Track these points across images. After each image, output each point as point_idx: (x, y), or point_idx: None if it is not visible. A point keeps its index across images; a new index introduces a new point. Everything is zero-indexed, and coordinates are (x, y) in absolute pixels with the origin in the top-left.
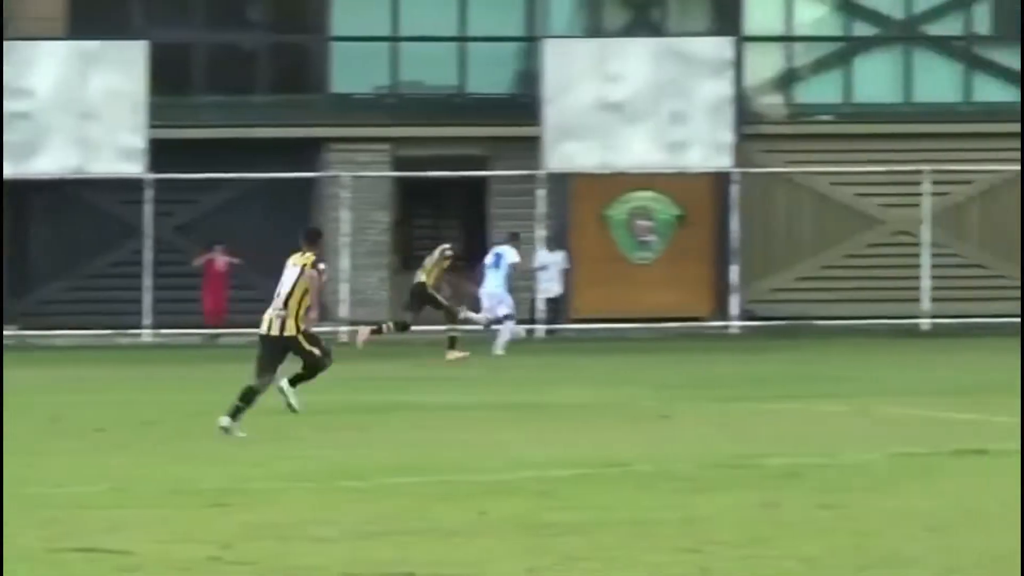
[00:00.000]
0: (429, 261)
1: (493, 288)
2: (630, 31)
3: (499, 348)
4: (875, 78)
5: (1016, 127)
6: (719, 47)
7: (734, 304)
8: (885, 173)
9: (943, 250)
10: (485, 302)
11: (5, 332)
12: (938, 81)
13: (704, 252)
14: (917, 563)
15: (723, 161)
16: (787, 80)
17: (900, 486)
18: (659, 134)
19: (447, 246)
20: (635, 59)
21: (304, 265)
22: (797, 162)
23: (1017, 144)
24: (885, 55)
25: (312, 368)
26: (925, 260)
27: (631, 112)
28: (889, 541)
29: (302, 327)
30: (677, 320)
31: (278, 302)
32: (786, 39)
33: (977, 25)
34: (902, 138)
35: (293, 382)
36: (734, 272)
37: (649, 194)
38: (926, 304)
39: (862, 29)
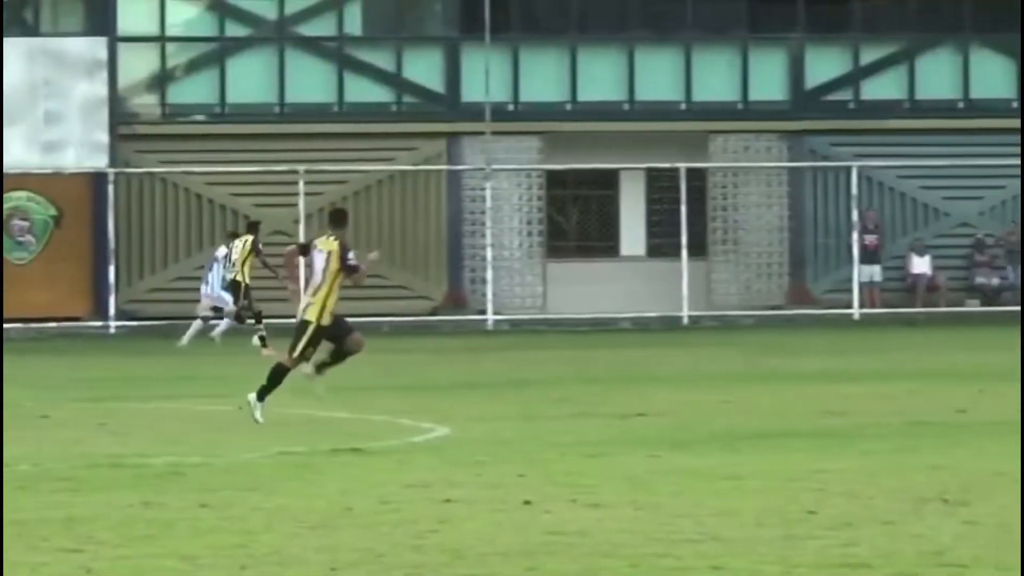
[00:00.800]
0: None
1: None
2: (3, 30)
3: (186, 340)
4: (249, 78)
5: (332, 128)
6: (93, 47)
7: (112, 304)
8: (260, 173)
9: None
10: (206, 301)
11: None
12: (311, 81)
13: (82, 252)
14: (299, 561)
15: (99, 161)
16: (161, 80)
17: (280, 485)
18: (34, 134)
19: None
20: (8, 59)
21: (330, 252)
22: (172, 162)
23: (335, 144)
24: (258, 56)
25: (338, 355)
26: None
27: (6, 112)
28: (271, 539)
29: (324, 317)
30: (55, 320)
31: (309, 289)
32: (160, 39)
33: (348, 26)
34: (277, 138)
35: (319, 368)
36: (112, 272)
37: (24, 194)
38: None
39: (235, 30)
